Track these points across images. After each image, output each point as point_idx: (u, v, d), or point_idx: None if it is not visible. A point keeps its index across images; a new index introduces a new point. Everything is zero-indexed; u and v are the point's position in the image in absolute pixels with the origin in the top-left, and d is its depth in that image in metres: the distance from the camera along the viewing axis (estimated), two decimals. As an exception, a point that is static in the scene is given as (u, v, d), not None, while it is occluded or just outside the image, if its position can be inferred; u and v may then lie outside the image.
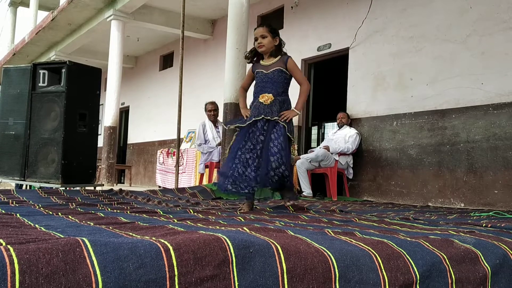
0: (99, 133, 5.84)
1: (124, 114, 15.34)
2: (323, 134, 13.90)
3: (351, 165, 6.97)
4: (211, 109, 7.40)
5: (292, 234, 1.67)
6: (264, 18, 9.75)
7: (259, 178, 3.19)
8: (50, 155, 5.14)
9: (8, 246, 1.03)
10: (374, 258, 1.41)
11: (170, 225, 1.97)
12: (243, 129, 3.39)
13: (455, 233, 2.06)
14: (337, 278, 1.31)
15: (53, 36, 12.87)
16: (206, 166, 7.35)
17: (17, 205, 2.91)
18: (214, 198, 4.83)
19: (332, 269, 1.32)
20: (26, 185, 5.43)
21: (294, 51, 7.21)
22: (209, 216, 2.64)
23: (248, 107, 3.52)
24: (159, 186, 9.59)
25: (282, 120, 3.26)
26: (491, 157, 5.52)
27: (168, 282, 1.11)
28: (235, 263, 1.22)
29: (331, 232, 1.83)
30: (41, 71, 5.26)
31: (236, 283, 1.20)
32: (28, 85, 5.32)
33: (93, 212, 2.57)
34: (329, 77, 10.24)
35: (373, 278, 1.36)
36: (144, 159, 13.66)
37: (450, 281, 1.46)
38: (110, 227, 1.85)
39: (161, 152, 10.10)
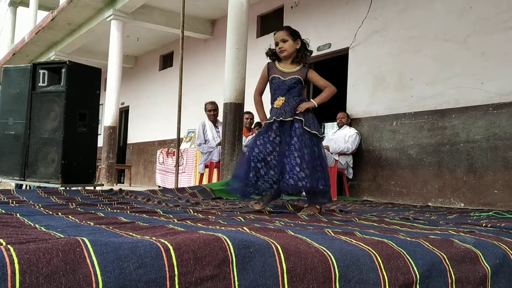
0: (99, 133, 5.84)
1: (124, 114, 15.34)
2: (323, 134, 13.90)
3: (351, 165, 6.97)
4: (211, 109, 7.40)
5: (292, 234, 1.67)
6: (264, 18, 9.75)
7: (278, 182, 3.06)
8: (50, 155, 5.14)
9: (9, 246, 1.03)
10: (374, 258, 1.41)
11: (170, 225, 1.97)
12: (260, 132, 3.26)
13: (455, 233, 2.06)
14: (337, 278, 1.31)
15: (53, 36, 12.87)
16: (206, 166, 7.35)
17: (17, 205, 2.90)
18: (214, 198, 4.83)
19: (332, 269, 1.32)
20: (26, 185, 5.43)
21: (294, 51, 7.20)
22: (209, 216, 2.64)
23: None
24: (159, 186, 9.59)
25: (297, 112, 3.12)
26: (491, 157, 5.52)
27: (168, 282, 1.11)
28: (235, 263, 1.22)
29: (331, 232, 1.83)
30: (41, 71, 5.26)
31: (236, 283, 1.20)
32: (28, 85, 5.31)
33: (93, 212, 2.57)
34: (329, 77, 10.22)
35: (373, 278, 1.36)
36: (144, 159, 13.65)
37: (450, 281, 1.46)
38: (110, 227, 1.85)
39: (161, 152, 10.10)
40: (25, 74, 5.39)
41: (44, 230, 1.69)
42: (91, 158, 5.52)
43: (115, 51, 10.38)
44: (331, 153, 6.64)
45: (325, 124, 14.40)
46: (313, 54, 3.67)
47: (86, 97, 5.39)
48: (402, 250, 1.49)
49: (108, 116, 10.17)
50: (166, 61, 13.47)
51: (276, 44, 3.27)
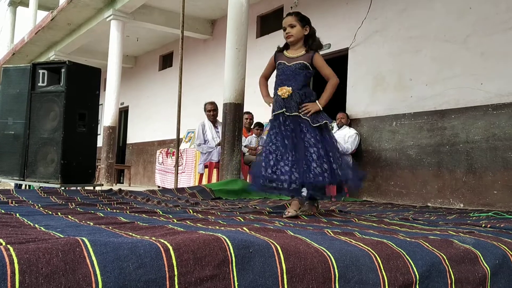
0: (98, 133, 5.84)
1: (123, 114, 15.33)
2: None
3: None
4: (211, 109, 7.39)
5: (292, 234, 1.67)
6: (263, 18, 9.76)
7: (297, 174, 2.93)
8: (50, 155, 5.14)
9: (8, 246, 1.03)
10: (374, 258, 1.41)
11: (170, 225, 1.97)
12: (271, 126, 3.15)
13: (454, 233, 2.06)
14: (336, 278, 1.31)
15: (53, 36, 12.87)
16: (206, 166, 7.35)
17: (16, 205, 2.90)
18: (213, 198, 4.83)
19: (331, 269, 1.32)
20: (26, 185, 5.43)
21: (294, 51, 7.21)
22: (209, 216, 2.64)
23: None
24: (158, 186, 9.59)
25: (302, 113, 3.02)
26: (491, 158, 5.52)
27: (167, 282, 1.11)
28: (235, 263, 1.22)
29: (331, 232, 1.83)
30: (41, 71, 5.26)
31: (236, 283, 1.20)
32: (28, 85, 5.31)
33: (92, 212, 2.57)
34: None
35: (372, 278, 1.36)
36: (143, 159, 13.65)
37: (449, 282, 1.47)
38: (110, 227, 1.85)
39: (161, 152, 10.10)
40: (24, 74, 5.39)
41: (44, 230, 1.69)
42: (90, 158, 5.52)
43: (115, 51, 10.38)
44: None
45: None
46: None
47: (85, 97, 5.39)
48: (402, 251, 1.49)
49: (107, 116, 10.17)
50: (166, 61, 13.47)
51: (284, 29, 3.18)
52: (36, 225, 1.82)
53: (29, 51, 14.56)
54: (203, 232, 1.46)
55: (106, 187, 6.94)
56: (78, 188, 4.84)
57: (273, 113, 3.11)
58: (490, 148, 5.54)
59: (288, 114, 3.04)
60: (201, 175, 7.45)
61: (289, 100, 3.05)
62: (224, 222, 2.28)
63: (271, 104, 3.17)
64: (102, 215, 2.38)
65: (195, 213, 2.86)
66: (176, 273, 1.13)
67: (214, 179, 7.08)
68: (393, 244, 1.53)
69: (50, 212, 2.44)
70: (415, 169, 6.35)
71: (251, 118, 7.82)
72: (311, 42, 3.16)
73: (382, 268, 1.39)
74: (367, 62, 7.23)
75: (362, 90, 7.26)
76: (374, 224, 2.56)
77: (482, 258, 1.59)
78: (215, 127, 7.39)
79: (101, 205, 3.14)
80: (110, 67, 10.37)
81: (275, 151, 3.03)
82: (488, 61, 5.67)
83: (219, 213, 2.90)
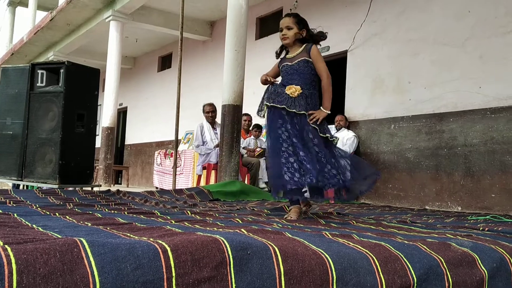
0: (97, 133, 5.83)
1: (122, 114, 15.32)
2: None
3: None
4: (209, 111, 7.39)
5: (290, 236, 1.67)
6: (263, 20, 9.77)
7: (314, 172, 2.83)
8: (48, 155, 5.13)
9: (6, 246, 1.03)
10: (372, 261, 1.41)
11: (168, 226, 1.97)
12: (272, 123, 3.04)
13: (452, 236, 2.06)
14: (334, 281, 1.31)
15: (52, 36, 12.86)
16: (204, 168, 7.35)
17: (14, 205, 2.90)
18: (211, 200, 4.82)
19: (329, 271, 1.32)
20: (23, 185, 5.42)
21: (293, 53, 7.22)
22: (207, 218, 2.64)
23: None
24: (156, 187, 9.58)
25: (311, 122, 2.94)
26: (489, 161, 5.53)
27: (165, 283, 1.11)
28: (233, 264, 1.22)
29: (329, 235, 1.83)
30: (40, 71, 5.25)
31: (234, 285, 1.20)
32: (26, 85, 5.30)
33: (90, 212, 2.57)
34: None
35: (370, 281, 1.36)
36: (141, 160, 13.64)
37: (447, 284, 1.47)
38: (108, 228, 1.85)
39: (159, 153, 10.10)
40: (23, 74, 5.38)
41: (42, 230, 1.69)
42: (88, 159, 5.51)
43: (114, 52, 10.38)
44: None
45: (323, 126, 14.37)
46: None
47: (84, 98, 5.39)
48: (400, 253, 1.49)
49: (106, 117, 10.17)
50: (165, 63, 13.47)
51: (281, 30, 3.12)
52: (34, 226, 1.82)
53: (28, 51, 14.55)
54: (201, 234, 1.46)
55: (104, 188, 6.93)
56: (76, 188, 4.83)
57: (274, 104, 3.00)
58: (488, 151, 5.54)
59: (295, 111, 2.95)
60: (199, 176, 7.45)
61: (298, 99, 2.98)
62: (222, 224, 2.28)
63: (268, 78, 3.09)
64: (100, 216, 2.38)
65: (193, 215, 2.85)
66: (174, 274, 1.13)
67: (212, 181, 7.07)
68: (391, 247, 1.53)
69: (48, 213, 2.44)
70: (413, 172, 6.36)
71: (250, 120, 7.82)
72: (303, 41, 3.12)
73: (380, 270, 1.39)
74: (366, 65, 7.24)
75: (360, 92, 7.26)
76: (372, 227, 2.57)
77: (479, 261, 1.59)
78: (214, 128, 7.38)
79: (99, 206, 3.13)
80: (109, 67, 10.36)
81: (293, 152, 2.92)
82: (486, 65, 5.69)
83: (217, 215, 2.90)
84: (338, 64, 7.88)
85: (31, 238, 1.33)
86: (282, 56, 3.23)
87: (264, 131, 7.64)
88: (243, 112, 6.66)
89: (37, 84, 5.25)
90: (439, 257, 1.53)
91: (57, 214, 2.38)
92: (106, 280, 1.05)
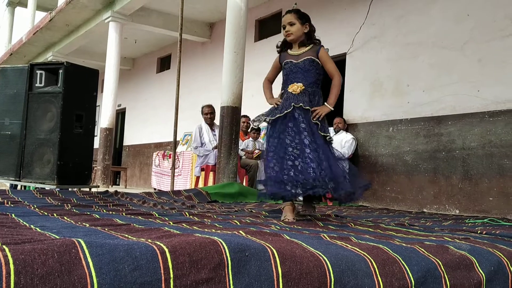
0: (95, 134, 5.82)
1: (120, 115, 15.32)
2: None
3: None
4: (208, 112, 7.40)
5: (288, 238, 1.67)
6: (262, 22, 9.78)
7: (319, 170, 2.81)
8: (46, 155, 5.13)
9: (4, 247, 1.03)
10: (370, 263, 1.41)
11: (166, 228, 1.97)
12: (274, 125, 3.02)
13: (450, 239, 2.06)
14: (332, 283, 1.31)
15: (51, 36, 12.86)
16: (202, 169, 7.34)
17: (12, 205, 2.89)
18: (209, 201, 4.82)
19: (327, 273, 1.32)
20: (21, 186, 5.41)
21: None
22: (205, 219, 2.64)
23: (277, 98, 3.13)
24: (155, 189, 9.57)
25: (314, 118, 2.93)
26: (487, 164, 5.54)
27: (163, 285, 1.11)
28: (231, 266, 1.22)
29: (327, 237, 1.83)
30: (38, 72, 5.25)
31: (232, 287, 1.19)
32: (25, 86, 5.30)
33: (88, 213, 2.56)
34: (326, 82, 10.27)
35: (368, 283, 1.36)
36: (139, 161, 13.64)
37: (445, 287, 1.47)
38: (106, 229, 1.85)
39: (157, 155, 10.09)
40: (22, 74, 5.38)
41: (40, 231, 1.68)
42: (87, 160, 5.51)
43: (113, 53, 10.38)
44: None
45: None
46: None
47: (83, 99, 5.38)
48: (398, 256, 1.49)
49: (104, 118, 10.17)
50: (164, 64, 13.48)
51: (283, 27, 3.12)
52: (32, 226, 1.82)
53: (27, 51, 14.55)
54: (199, 235, 1.46)
55: (102, 188, 6.92)
56: (74, 189, 4.82)
57: (285, 111, 2.96)
58: (486, 154, 5.55)
59: (299, 106, 2.93)
60: (198, 178, 7.45)
61: (301, 95, 2.97)
62: (220, 225, 2.28)
63: (277, 104, 3.05)
64: (98, 217, 2.37)
65: (191, 216, 2.85)
66: (171, 275, 1.13)
67: (210, 182, 7.07)
68: (389, 250, 1.53)
69: (46, 213, 2.43)
70: (411, 174, 6.36)
71: (248, 122, 7.82)
72: (308, 39, 3.11)
73: (377, 273, 1.39)
74: (365, 68, 7.25)
75: (359, 95, 7.27)
76: (370, 229, 2.57)
77: (477, 264, 1.60)
78: (212, 130, 7.39)
79: (97, 207, 3.13)
80: (107, 68, 10.36)
81: (290, 152, 2.90)
82: (485, 68, 5.70)
83: (215, 216, 2.90)
84: (337, 67, 7.89)
85: (29, 238, 1.33)
86: (284, 51, 3.20)
87: (262, 133, 7.64)
88: (242, 114, 6.66)
89: (36, 85, 5.25)
90: (437, 260, 1.53)
91: (55, 214, 2.38)
92: (104, 281, 1.05)
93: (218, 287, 1.18)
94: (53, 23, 11.71)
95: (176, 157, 7.60)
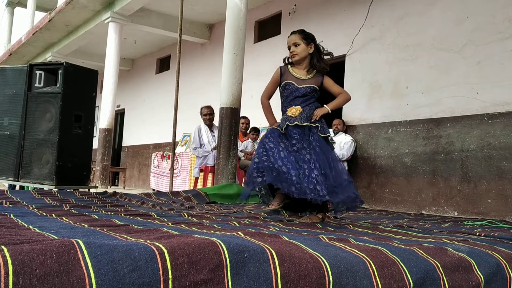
0: (94, 135, 5.82)
1: (119, 116, 15.32)
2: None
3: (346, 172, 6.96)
4: (207, 113, 7.40)
5: (287, 239, 1.67)
6: (261, 23, 9.78)
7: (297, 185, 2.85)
8: (45, 156, 5.13)
9: (2, 247, 1.02)
10: (368, 265, 1.41)
11: (165, 229, 1.97)
12: (277, 132, 3.07)
13: (449, 241, 2.06)
14: (331, 284, 1.31)
15: (50, 37, 12.86)
16: (201, 170, 7.34)
17: (10, 205, 2.89)
18: (208, 202, 4.82)
19: (326, 275, 1.32)
20: (19, 186, 5.41)
21: (291, 57, 7.24)
22: (204, 220, 2.64)
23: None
24: (153, 189, 9.57)
25: (312, 119, 3.00)
26: (485, 167, 5.54)
27: (162, 285, 1.11)
28: (230, 267, 1.22)
29: (326, 238, 1.83)
30: (38, 72, 5.25)
31: (230, 288, 1.19)
32: (24, 86, 5.30)
33: (87, 214, 2.56)
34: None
35: (367, 285, 1.36)
36: (138, 162, 13.63)
37: (443, 289, 1.47)
38: (105, 229, 1.85)
39: (156, 155, 10.09)
40: (21, 74, 5.38)
41: (38, 231, 1.68)
42: (86, 160, 5.50)
43: (112, 53, 10.38)
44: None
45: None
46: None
47: (82, 99, 5.38)
48: (396, 258, 1.49)
49: (103, 118, 10.16)
50: (163, 65, 13.48)
51: (289, 48, 3.16)
52: (31, 226, 1.82)
53: (26, 51, 14.54)
54: (198, 236, 1.46)
55: (101, 189, 6.92)
56: (73, 190, 4.82)
57: (287, 123, 3.02)
58: (485, 157, 5.56)
59: (298, 123, 3.00)
60: (196, 179, 7.45)
61: (300, 114, 3.04)
62: (219, 227, 2.28)
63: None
64: (97, 217, 2.37)
65: (190, 217, 2.85)
66: (170, 276, 1.13)
67: (209, 183, 7.07)
68: (388, 251, 1.53)
69: (44, 214, 2.43)
70: (410, 176, 6.36)
71: (248, 123, 7.82)
72: (318, 63, 3.13)
73: (376, 275, 1.39)
74: (364, 69, 7.26)
75: (358, 97, 7.27)
76: (368, 231, 2.57)
77: (476, 266, 1.60)
78: (211, 131, 7.39)
79: (95, 207, 3.13)
80: (107, 69, 10.36)
81: (285, 152, 2.96)
82: (484, 70, 5.70)
83: (214, 217, 2.90)
84: (336, 69, 7.89)
85: (28, 239, 1.33)
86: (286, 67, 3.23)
87: (261, 134, 7.64)
88: (241, 115, 6.66)
89: (35, 85, 5.25)
90: (435, 261, 1.53)
91: (53, 215, 2.38)
92: (102, 281, 1.05)
93: (217, 288, 1.18)
94: (53, 24, 11.70)
95: (175, 158, 7.60)
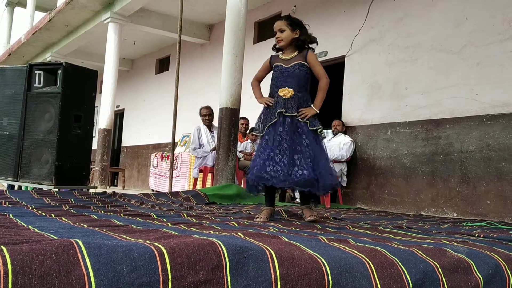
0: (93, 135, 5.82)
1: (119, 116, 15.31)
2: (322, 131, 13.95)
3: (345, 173, 6.97)
4: (206, 114, 7.40)
5: (286, 240, 1.67)
6: (261, 24, 9.78)
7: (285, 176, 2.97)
8: (44, 156, 5.12)
9: (1, 247, 1.02)
10: (368, 266, 1.41)
11: (164, 229, 1.97)
12: (269, 128, 3.16)
13: (448, 242, 2.06)
14: (330, 285, 1.31)
15: (50, 37, 12.85)
16: (200, 171, 7.34)
17: (10, 205, 2.89)
18: (207, 203, 4.82)
19: (325, 276, 1.32)
20: (18, 186, 5.40)
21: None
22: (203, 221, 2.64)
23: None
24: (153, 190, 9.56)
25: (300, 118, 3.06)
26: (484, 168, 5.54)
27: (161, 286, 1.11)
28: (229, 268, 1.22)
29: (325, 239, 1.83)
30: (37, 72, 5.25)
31: (230, 288, 1.19)
32: (24, 86, 5.30)
33: (86, 214, 2.56)
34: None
35: (366, 286, 1.36)
36: (138, 162, 13.62)
37: (442, 290, 1.47)
38: (104, 230, 1.85)
39: (155, 156, 10.08)
40: (21, 74, 5.38)
41: (38, 231, 1.68)
42: (85, 160, 5.50)
43: (112, 53, 10.37)
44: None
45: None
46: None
47: (81, 99, 5.38)
48: (395, 259, 1.49)
49: (103, 119, 10.16)
50: (163, 65, 13.48)
51: (275, 33, 3.23)
52: (30, 227, 1.81)
53: (25, 51, 14.54)
54: (198, 237, 1.46)
55: (100, 189, 6.92)
56: (72, 190, 4.82)
57: (278, 110, 3.09)
58: (484, 158, 5.56)
59: (287, 114, 3.07)
60: (196, 179, 7.44)
61: (290, 100, 3.09)
62: (218, 227, 2.28)
63: (267, 104, 3.19)
64: (96, 218, 2.37)
65: (189, 217, 2.85)
66: (170, 277, 1.13)
67: (208, 184, 7.07)
68: (387, 252, 1.53)
69: (43, 214, 2.43)
70: (409, 177, 6.37)
71: (247, 124, 7.82)
72: (300, 42, 3.20)
73: (375, 275, 1.39)
74: (364, 70, 7.26)
75: (358, 98, 7.28)
76: (368, 232, 2.57)
77: (475, 267, 1.60)
78: (211, 131, 7.39)
79: (95, 208, 3.12)
80: (106, 69, 10.36)
81: (275, 150, 3.06)
82: (483, 72, 5.71)
83: (213, 218, 2.90)
84: (335, 69, 7.89)
85: (27, 239, 1.33)
86: (275, 54, 3.32)
87: (260, 135, 7.63)
88: (241, 115, 6.66)
89: (35, 85, 5.25)
90: (434, 262, 1.53)
91: (53, 215, 2.37)
92: (102, 282, 1.05)
93: (216, 289, 1.18)
94: (52, 24, 11.70)
95: (174, 159, 7.60)
